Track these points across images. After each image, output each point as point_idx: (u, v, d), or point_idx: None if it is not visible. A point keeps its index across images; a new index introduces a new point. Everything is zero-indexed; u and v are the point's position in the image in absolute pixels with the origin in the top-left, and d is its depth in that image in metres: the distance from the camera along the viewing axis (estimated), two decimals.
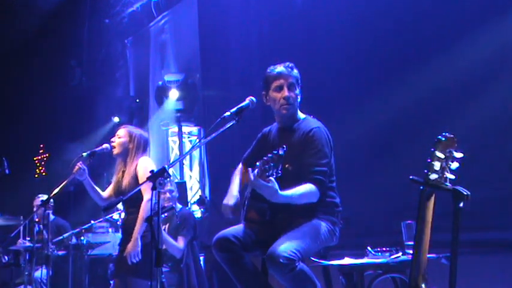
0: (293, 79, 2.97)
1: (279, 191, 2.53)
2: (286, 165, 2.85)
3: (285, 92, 2.94)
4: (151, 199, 3.54)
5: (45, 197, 5.83)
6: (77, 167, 3.80)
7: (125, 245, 3.74)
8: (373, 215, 4.64)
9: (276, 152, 2.40)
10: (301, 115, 3.06)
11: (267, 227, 2.92)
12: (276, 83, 2.98)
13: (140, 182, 3.69)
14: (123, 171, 3.87)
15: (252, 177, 2.50)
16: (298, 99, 3.01)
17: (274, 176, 2.45)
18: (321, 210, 2.88)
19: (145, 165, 3.76)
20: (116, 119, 8.32)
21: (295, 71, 3.01)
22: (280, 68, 3.00)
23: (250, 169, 2.59)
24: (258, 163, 2.49)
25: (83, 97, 9.12)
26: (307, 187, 2.73)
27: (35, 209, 5.93)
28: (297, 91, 2.99)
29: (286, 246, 2.61)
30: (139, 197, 3.67)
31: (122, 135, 3.91)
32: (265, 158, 2.41)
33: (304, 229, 2.78)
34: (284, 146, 2.45)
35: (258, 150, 3.15)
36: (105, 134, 8.46)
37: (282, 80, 2.96)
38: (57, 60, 9.14)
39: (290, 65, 3.02)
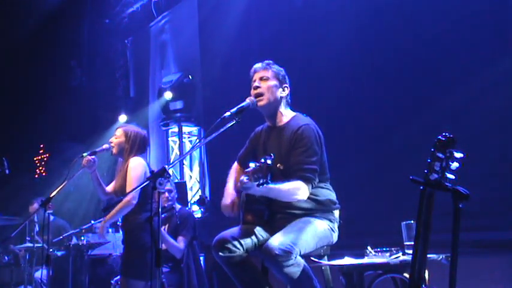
0: (267, 73, 2.98)
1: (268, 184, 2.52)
2: (278, 165, 2.87)
3: (255, 83, 2.97)
4: (133, 198, 3.57)
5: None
6: (87, 159, 3.83)
7: (126, 244, 3.76)
8: (373, 215, 4.64)
9: (263, 161, 2.37)
10: (290, 113, 3.06)
11: (266, 228, 2.93)
12: (252, 80, 3.01)
13: (128, 183, 3.67)
14: (121, 171, 3.89)
15: (243, 183, 2.49)
16: (282, 93, 2.99)
17: (264, 185, 2.41)
18: (318, 209, 2.90)
19: (133, 166, 3.73)
20: (123, 118, 8.30)
21: (275, 68, 3.01)
22: (255, 65, 3.03)
23: (241, 178, 2.56)
24: (248, 168, 2.45)
25: (83, 97, 9.11)
26: (294, 183, 2.74)
27: (31, 213, 5.95)
28: (273, 83, 2.97)
29: (281, 240, 2.63)
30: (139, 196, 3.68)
31: (118, 135, 3.92)
32: (253, 168, 2.38)
33: (300, 225, 2.79)
34: (272, 155, 2.43)
35: (251, 149, 3.19)
36: (110, 133, 8.44)
37: (254, 75, 3.01)
38: (57, 60, 9.13)
39: (267, 62, 3.03)
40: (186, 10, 7.84)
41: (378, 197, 4.66)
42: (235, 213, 3.00)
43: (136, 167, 3.70)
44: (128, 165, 3.76)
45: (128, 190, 3.61)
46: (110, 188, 4.02)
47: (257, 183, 2.38)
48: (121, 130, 3.94)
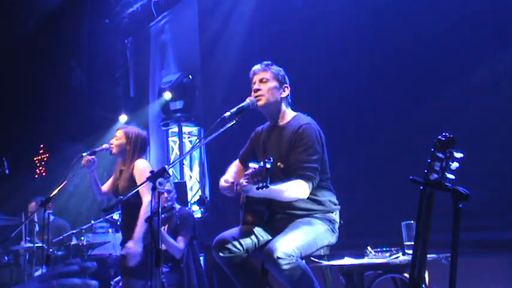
0: (267, 74, 2.98)
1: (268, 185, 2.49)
2: (278, 163, 2.86)
3: (255, 85, 2.97)
4: (151, 201, 3.55)
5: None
6: (86, 159, 3.85)
7: (124, 245, 3.76)
8: (373, 215, 4.64)
9: (263, 165, 2.35)
10: (291, 113, 3.06)
11: (266, 228, 2.93)
12: (252, 83, 3.02)
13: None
14: (121, 171, 3.89)
15: (242, 186, 2.47)
16: (283, 94, 3.00)
17: (263, 189, 2.39)
18: (318, 209, 2.89)
19: (141, 168, 3.75)
20: (123, 118, 8.29)
21: (274, 68, 3.02)
22: (254, 67, 3.04)
23: (240, 181, 2.54)
24: (248, 170, 2.44)
25: (83, 97, 9.11)
26: (294, 183, 2.73)
27: (29, 214, 5.95)
28: (273, 84, 2.97)
29: (282, 243, 2.62)
30: (136, 199, 3.67)
31: (119, 136, 3.93)
32: (252, 171, 2.37)
33: (301, 226, 2.79)
34: (271, 158, 2.40)
35: (252, 149, 3.19)
36: (110, 133, 8.44)
37: (254, 77, 3.02)
38: (57, 60, 9.13)
39: (266, 63, 3.03)
40: (186, 10, 7.84)
41: (378, 197, 4.66)
42: (234, 194, 2.92)
43: (145, 170, 3.71)
44: (134, 168, 3.78)
45: (143, 193, 3.62)
46: (105, 188, 4.03)
47: (256, 186, 2.37)
48: (121, 132, 3.95)
